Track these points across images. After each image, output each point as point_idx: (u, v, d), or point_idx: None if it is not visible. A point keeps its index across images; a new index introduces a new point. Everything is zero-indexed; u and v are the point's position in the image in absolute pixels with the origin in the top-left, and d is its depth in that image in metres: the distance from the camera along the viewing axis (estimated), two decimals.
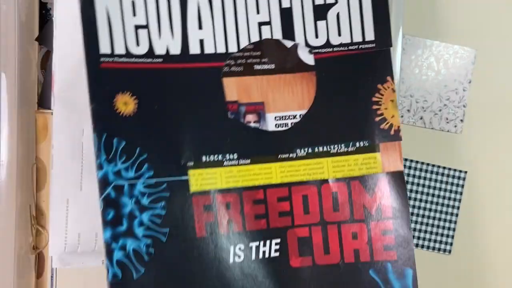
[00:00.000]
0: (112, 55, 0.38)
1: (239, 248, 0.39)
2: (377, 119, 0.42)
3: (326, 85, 0.41)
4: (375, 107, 0.42)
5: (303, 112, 0.41)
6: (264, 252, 0.40)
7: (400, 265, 0.41)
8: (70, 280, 0.45)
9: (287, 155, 0.40)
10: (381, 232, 0.41)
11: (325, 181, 0.41)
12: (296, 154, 0.41)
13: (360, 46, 0.41)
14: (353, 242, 0.41)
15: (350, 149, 0.41)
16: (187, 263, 0.38)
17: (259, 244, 0.40)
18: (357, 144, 0.41)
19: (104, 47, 0.38)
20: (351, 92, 0.41)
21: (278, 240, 0.40)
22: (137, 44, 0.38)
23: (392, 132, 0.42)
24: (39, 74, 0.46)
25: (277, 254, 0.40)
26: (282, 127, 0.41)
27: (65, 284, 0.45)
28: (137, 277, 0.37)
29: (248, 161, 0.40)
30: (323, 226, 0.41)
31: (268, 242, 0.40)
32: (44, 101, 0.46)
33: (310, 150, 0.41)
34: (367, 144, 0.41)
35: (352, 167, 0.41)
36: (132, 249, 0.37)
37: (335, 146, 0.41)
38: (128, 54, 0.38)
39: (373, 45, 0.41)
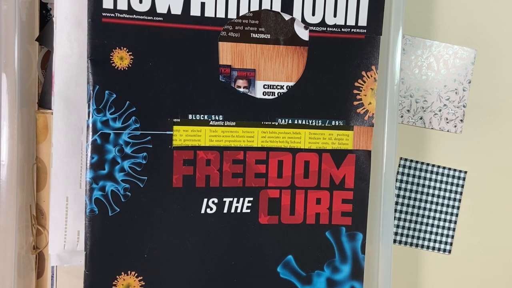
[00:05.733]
0: (114, 10, 0.40)
1: (212, 201, 0.43)
2: (355, 103, 0.45)
3: (315, 63, 0.44)
4: (355, 91, 0.44)
5: (290, 84, 0.44)
6: (236, 208, 0.44)
7: (353, 229, 0.45)
8: (70, 280, 0.45)
9: (269, 123, 0.44)
10: (341, 200, 0.45)
11: (300, 150, 0.44)
12: (278, 123, 0.44)
13: (352, 30, 0.44)
14: (316, 207, 0.45)
15: (326, 124, 0.44)
16: (159, 208, 0.42)
17: (233, 200, 0.43)
18: (333, 122, 0.44)
19: (107, 2, 0.40)
20: (336, 74, 0.44)
21: (251, 199, 0.44)
22: (140, 1, 0.40)
23: (366, 118, 0.45)
24: (39, 74, 0.46)
25: (248, 211, 0.44)
26: (269, 95, 0.44)
27: (65, 284, 0.45)
28: (112, 214, 0.41)
29: (234, 123, 0.43)
30: (292, 190, 0.45)
31: (241, 199, 0.44)
32: (44, 101, 0.46)
33: (290, 121, 0.44)
34: (342, 124, 0.45)
35: (326, 140, 0.45)
36: (111, 190, 0.41)
37: (314, 121, 0.44)
38: (130, 11, 0.40)
39: (364, 30, 0.44)
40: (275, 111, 0.43)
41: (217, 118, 0.43)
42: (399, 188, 0.54)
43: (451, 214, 0.55)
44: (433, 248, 0.55)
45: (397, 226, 0.55)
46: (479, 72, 0.54)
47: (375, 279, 0.47)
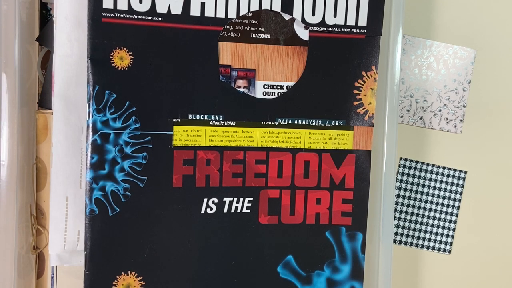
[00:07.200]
0: (114, 10, 0.40)
1: (212, 201, 0.43)
2: (355, 103, 0.45)
3: (315, 63, 0.44)
4: (355, 91, 0.44)
5: (290, 84, 0.44)
6: (236, 208, 0.44)
7: (353, 229, 0.46)
8: (70, 280, 0.45)
9: (269, 123, 0.44)
10: (341, 200, 0.45)
11: (300, 150, 0.44)
12: (278, 123, 0.44)
13: (352, 30, 0.44)
14: (316, 207, 0.45)
15: (326, 124, 0.44)
16: (159, 208, 0.42)
17: (233, 200, 0.43)
18: (333, 122, 0.44)
19: (107, 2, 0.40)
20: (336, 74, 0.44)
21: (251, 199, 0.44)
22: (140, 1, 0.40)
23: (366, 118, 0.45)
24: (39, 74, 0.46)
25: (248, 210, 0.44)
26: (269, 95, 0.44)
27: (65, 284, 0.45)
28: (112, 214, 0.41)
29: (234, 123, 0.43)
30: (292, 190, 0.45)
31: (241, 199, 0.44)
32: (44, 101, 0.46)
33: (290, 121, 0.44)
34: (342, 124, 0.45)
35: (326, 140, 0.45)
36: (111, 190, 0.41)
37: (314, 121, 0.44)
38: (130, 11, 0.40)
39: (364, 30, 0.44)
40: (275, 111, 0.43)
41: (217, 118, 0.43)
42: (399, 188, 0.54)
43: (451, 214, 0.55)
44: (433, 248, 0.55)
45: (397, 226, 0.55)
46: (479, 72, 0.54)
47: (375, 279, 0.47)
